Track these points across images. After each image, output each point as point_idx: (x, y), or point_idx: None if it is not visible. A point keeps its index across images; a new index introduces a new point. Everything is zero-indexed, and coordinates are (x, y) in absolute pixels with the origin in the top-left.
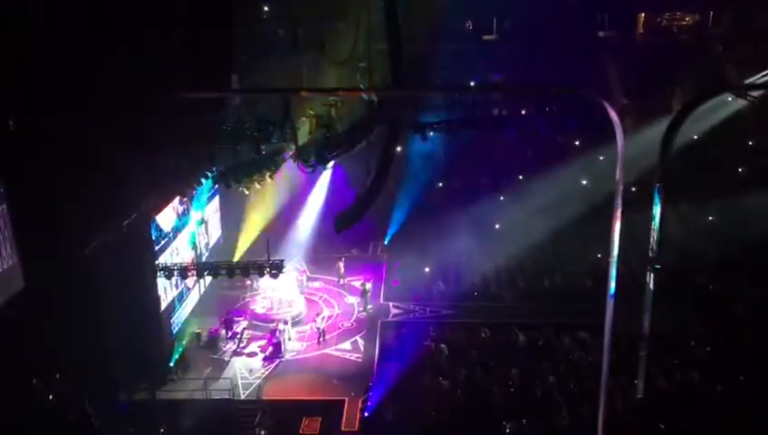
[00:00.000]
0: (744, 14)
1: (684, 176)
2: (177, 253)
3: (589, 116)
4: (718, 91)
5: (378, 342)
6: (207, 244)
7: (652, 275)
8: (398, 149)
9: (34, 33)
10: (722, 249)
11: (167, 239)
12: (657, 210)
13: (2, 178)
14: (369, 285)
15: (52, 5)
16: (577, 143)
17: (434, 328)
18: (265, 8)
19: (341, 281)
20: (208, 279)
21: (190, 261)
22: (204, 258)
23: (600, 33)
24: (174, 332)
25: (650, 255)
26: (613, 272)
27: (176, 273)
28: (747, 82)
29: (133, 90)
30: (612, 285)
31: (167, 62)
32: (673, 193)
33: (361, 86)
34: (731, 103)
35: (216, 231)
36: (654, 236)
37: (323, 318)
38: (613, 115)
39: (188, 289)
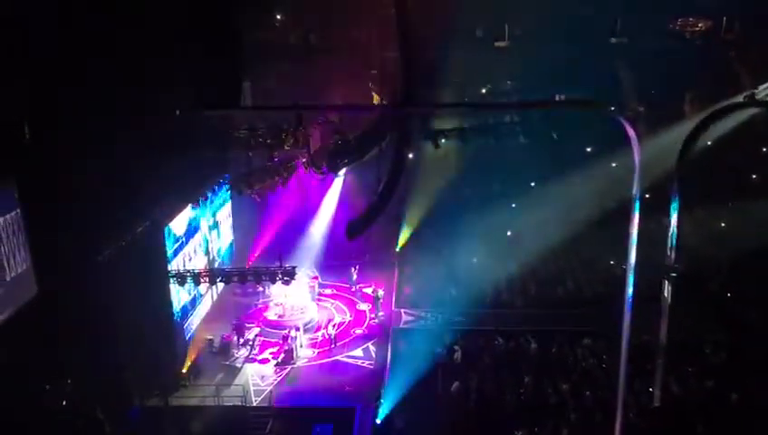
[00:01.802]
0: (756, 19)
1: (698, 182)
2: (190, 258)
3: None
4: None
5: (390, 348)
6: (220, 249)
7: (668, 283)
8: (410, 156)
9: (53, 44)
10: (736, 256)
11: (179, 243)
12: (673, 220)
13: (16, 185)
14: (381, 292)
15: (76, 24)
16: (589, 149)
17: (446, 335)
18: (278, 16)
19: (353, 288)
20: (221, 285)
21: (203, 267)
22: (216, 263)
23: (613, 40)
24: (186, 338)
25: (666, 263)
26: (630, 279)
27: (188, 279)
28: (761, 87)
29: (145, 100)
30: (630, 292)
31: (176, 72)
32: (687, 199)
33: (375, 95)
34: (744, 110)
35: (227, 236)
36: (670, 244)
37: (335, 325)
38: (629, 130)
39: (201, 295)
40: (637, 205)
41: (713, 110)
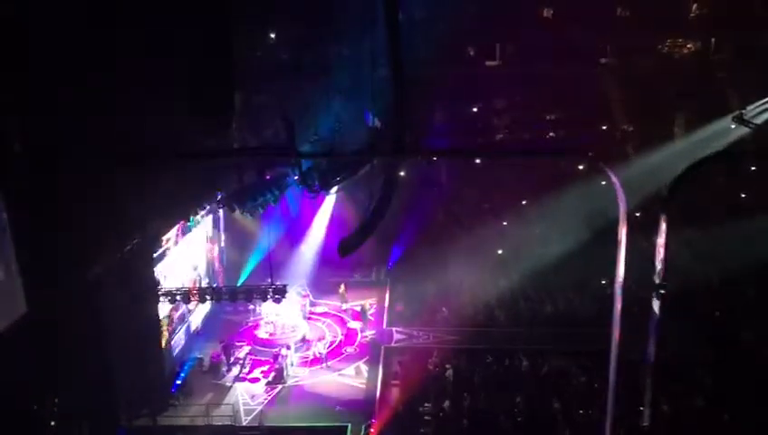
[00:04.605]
0: (746, 40)
1: (688, 201)
2: (174, 268)
3: None
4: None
5: (381, 367)
6: (209, 260)
7: (657, 300)
8: (402, 173)
9: (38, 59)
10: (725, 275)
11: (162, 251)
12: (661, 237)
13: (3, 196)
14: (367, 304)
15: (59, 42)
16: (581, 168)
17: (437, 354)
18: (272, 35)
19: (344, 306)
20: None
21: (188, 280)
22: (203, 275)
23: (603, 60)
24: (175, 357)
25: (655, 280)
26: (618, 298)
27: (178, 297)
28: (750, 108)
29: (136, 118)
30: (618, 310)
31: (167, 92)
32: (676, 219)
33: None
34: (733, 130)
35: (214, 249)
36: (659, 262)
37: (326, 343)
38: (614, 178)
39: (190, 312)
40: (623, 246)
41: (693, 163)
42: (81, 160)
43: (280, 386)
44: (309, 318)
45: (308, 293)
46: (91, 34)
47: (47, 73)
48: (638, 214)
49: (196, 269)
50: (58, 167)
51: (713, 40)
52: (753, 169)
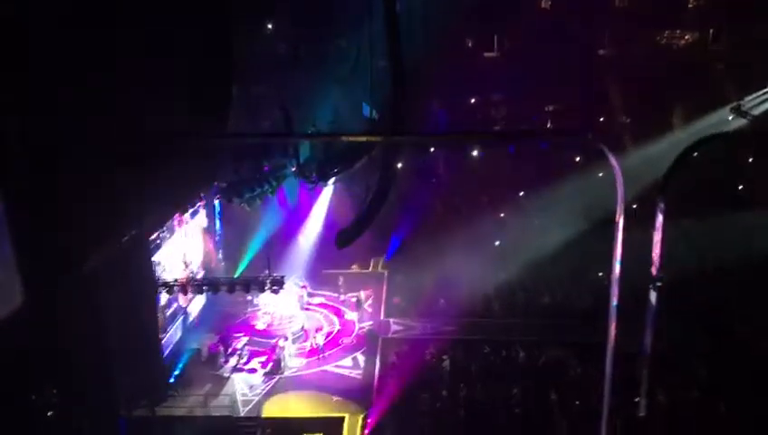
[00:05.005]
0: (743, 32)
1: (684, 192)
2: (169, 259)
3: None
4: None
5: (378, 358)
6: (206, 252)
7: (654, 292)
8: (399, 165)
9: (38, 59)
10: (722, 267)
11: (154, 245)
12: (659, 227)
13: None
14: (363, 294)
15: (59, 42)
16: (578, 159)
17: (434, 345)
18: (269, 26)
19: (342, 297)
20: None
21: (186, 273)
22: (200, 267)
23: (601, 51)
24: (173, 348)
25: (652, 271)
26: (615, 288)
27: (175, 289)
28: (747, 99)
29: (132, 111)
30: (614, 301)
31: (167, 92)
32: (673, 210)
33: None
34: (731, 122)
35: (208, 242)
36: (656, 252)
37: (323, 334)
38: (612, 160)
39: (182, 307)
40: (620, 234)
41: (695, 140)
42: (81, 160)
43: (277, 377)
44: (306, 309)
45: (305, 284)
46: (91, 34)
47: (47, 73)
48: (635, 205)
49: (191, 262)
50: (58, 167)
51: (711, 31)
52: (750, 160)
